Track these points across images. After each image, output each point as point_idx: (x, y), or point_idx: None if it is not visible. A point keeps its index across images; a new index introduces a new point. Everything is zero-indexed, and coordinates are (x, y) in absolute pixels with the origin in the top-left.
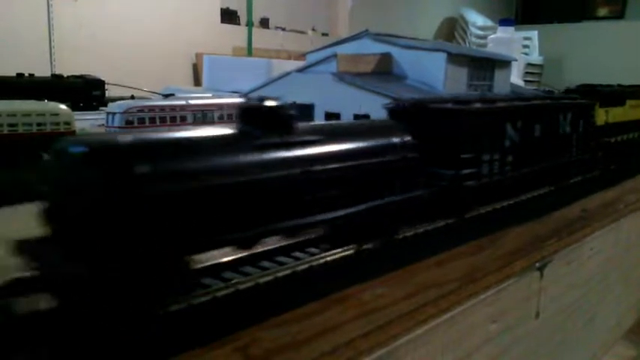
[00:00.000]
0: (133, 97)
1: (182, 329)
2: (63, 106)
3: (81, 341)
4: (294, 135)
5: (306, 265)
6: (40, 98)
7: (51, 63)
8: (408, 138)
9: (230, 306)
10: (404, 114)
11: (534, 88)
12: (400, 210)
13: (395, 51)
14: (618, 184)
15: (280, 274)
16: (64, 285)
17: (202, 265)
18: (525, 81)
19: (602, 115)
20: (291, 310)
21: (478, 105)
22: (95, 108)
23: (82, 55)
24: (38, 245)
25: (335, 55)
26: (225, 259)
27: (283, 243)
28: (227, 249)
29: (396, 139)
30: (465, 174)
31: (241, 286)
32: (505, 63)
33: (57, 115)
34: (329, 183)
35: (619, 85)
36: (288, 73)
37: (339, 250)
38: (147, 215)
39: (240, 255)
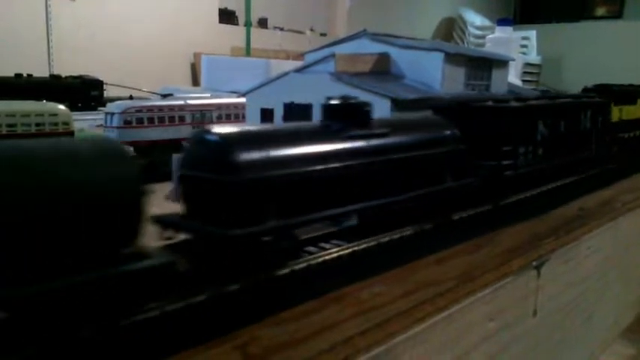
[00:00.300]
0: (131, 97)
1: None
2: (61, 107)
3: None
4: (370, 128)
5: (304, 264)
6: (38, 98)
7: (49, 63)
8: (457, 132)
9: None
10: (448, 111)
11: (532, 87)
12: (454, 195)
13: (393, 51)
14: (616, 183)
15: (280, 273)
16: (204, 247)
17: None
18: (523, 80)
19: (617, 113)
20: (290, 308)
21: (515, 104)
22: (93, 108)
23: (80, 56)
24: (179, 218)
25: (333, 55)
26: None
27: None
28: None
29: (448, 132)
30: (504, 165)
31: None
32: (502, 63)
33: (55, 115)
34: (400, 169)
35: (630, 85)
36: (286, 73)
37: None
38: (264, 191)
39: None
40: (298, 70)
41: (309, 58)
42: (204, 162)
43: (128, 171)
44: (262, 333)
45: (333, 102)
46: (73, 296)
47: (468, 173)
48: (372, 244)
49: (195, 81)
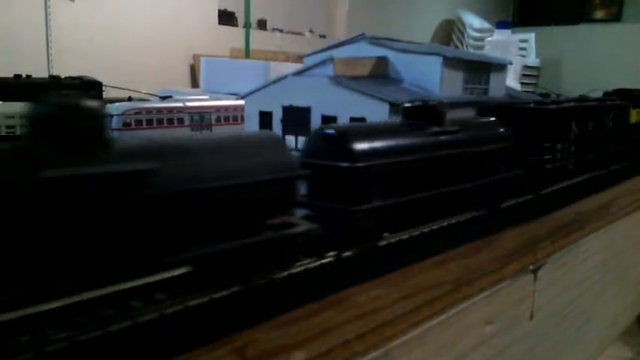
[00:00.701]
0: (130, 99)
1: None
2: None
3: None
4: (446, 126)
5: (301, 268)
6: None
7: (48, 64)
8: (509, 130)
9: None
10: (495, 111)
11: (531, 90)
12: (507, 185)
13: (391, 54)
14: (612, 187)
15: (276, 277)
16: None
17: None
18: (522, 83)
19: (635, 115)
20: (288, 312)
21: (553, 106)
22: None
23: (79, 56)
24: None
25: (332, 59)
26: None
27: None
28: None
29: (502, 131)
30: (545, 159)
31: None
32: (501, 66)
33: None
34: (469, 161)
35: None
36: (285, 77)
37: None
38: (371, 175)
39: None
40: (297, 74)
41: (308, 61)
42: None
43: (289, 157)
44: (260, 336)
45: (414, 104)
46: (247, 253)
47: (516, 166)
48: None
49: (195, 82)
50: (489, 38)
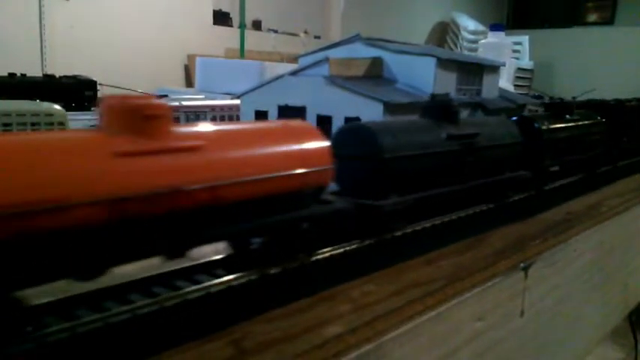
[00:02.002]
0: None
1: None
2: (57, 107)
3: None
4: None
5: (297, 263)
6: (32, 98)
7: (42, 62)
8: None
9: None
10: (595, 107)
11: (525, 92)
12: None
13: (386, 55)
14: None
15: (271, 272)
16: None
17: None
18: (516, 85)
19: None
20: (283, 306)
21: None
22: (87, 108)
23: (73, 55)
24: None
25: (327, 59)
26: None
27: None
28: None
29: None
30: (623, 146)
31: None
32: (493, 68)
33: (51, 115)
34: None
35: None
36: (280, 76)
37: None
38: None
39: None
40: (293, 74)
41: (304, 61)
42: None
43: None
44: (256, 329)
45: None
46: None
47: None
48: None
49: (189, 82)
50: (483, 40)
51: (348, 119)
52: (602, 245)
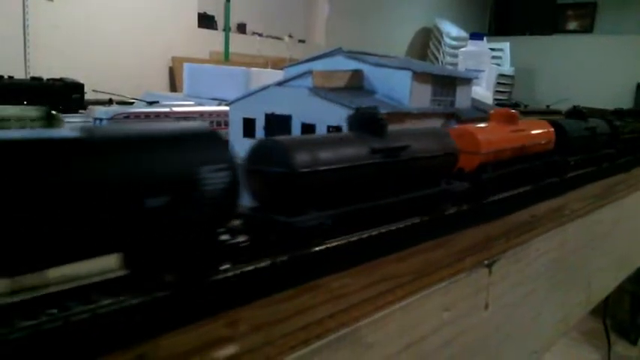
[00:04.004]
0: (110, 101)
1: None
2: (53, 112)
3: None
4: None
5: (285, 257)
6: (19, 100)
7: (25, 64)
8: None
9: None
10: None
11: (505, 99)
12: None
13: (366, 68)
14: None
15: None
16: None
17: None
18: (497, 91)
19: None
20: (270, 295)
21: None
22: (74, 111)
23: (57, 57)
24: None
25: (311, 72)
26: None
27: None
28: None
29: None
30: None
31: None
32: (466, 80)
33: (56, 120)
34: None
35: None
36: (267, 86)
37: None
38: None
39: None
40: (279, 84)
41: (288, 72)
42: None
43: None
44: (248, 314)
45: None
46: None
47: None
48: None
49: (173, 85)
50: (462, 49)
51: (330, 128)
52: (565, 246)
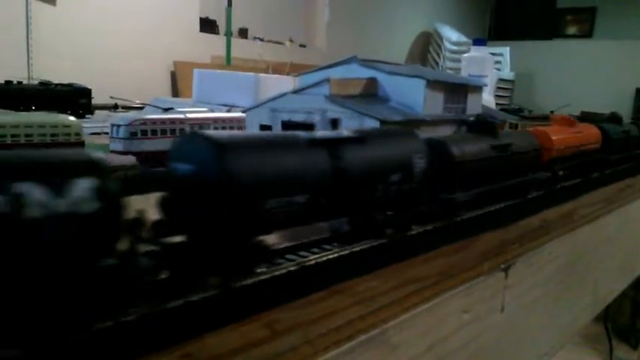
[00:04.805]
0: (116, 106)
1: None
2: (73, 118)
3: None
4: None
5: (312, 262)
6: (28, 105)
7: (28, 68)
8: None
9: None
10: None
11: (506, 103)
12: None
13: (380, 76)
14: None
15: (292, 269)
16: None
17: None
18: (497, 96)
19: None
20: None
21: None
22: (82, 116)
23: (59, 61)
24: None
25: (328, 79)
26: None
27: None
28: None
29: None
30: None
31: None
32: (477, 88)
33: (69, 126)
34: None
35: None
36: (284, 94)
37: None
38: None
39: None
40: (295, 92)
41: (303, 80)
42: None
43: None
44: (282, 316)
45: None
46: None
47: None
48: None
49: (175, 89)
50: (466, 55)
51: None
52: (574, 250)
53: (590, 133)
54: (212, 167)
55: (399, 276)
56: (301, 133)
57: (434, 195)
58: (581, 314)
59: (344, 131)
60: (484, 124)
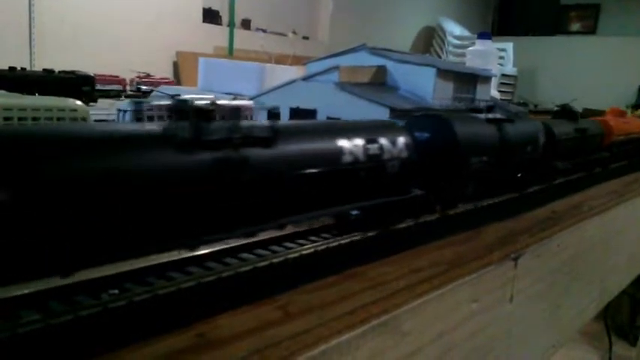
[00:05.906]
0: (119, 94)
1: None
2: (79, 103)
3: None
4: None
5: (324, 246)
6: (31, 92)
7: (30, 56)
8: None
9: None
10: None
11: (509, 99)
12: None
13: (389, 64)
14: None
15: (305, 252)
16: None
17: None
18: (500, 91)
19: None
20: (315, 281)
21: None
22: (85, 103)
23: (62, 49)
24: None
25: (337, 67)
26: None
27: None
28: None
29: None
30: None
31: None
32: (486, 78)
33: (75, 110)
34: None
35: None
36: (293, 81)
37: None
38: None
39: None
40: (304, 79)
41: (312, 67)
42: None
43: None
44: (297, 298)
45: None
46: None
47: None
48: None
49: (177, 78)
50: (470, 48)
51: None
52: (583, 242)
53: (636, 123)
54: (446, 135)
55: (410, 263)
56: (480, 115)
57: (545, 162)
58: (587, 307)
59: (497, 114)
60: (568, 112)
